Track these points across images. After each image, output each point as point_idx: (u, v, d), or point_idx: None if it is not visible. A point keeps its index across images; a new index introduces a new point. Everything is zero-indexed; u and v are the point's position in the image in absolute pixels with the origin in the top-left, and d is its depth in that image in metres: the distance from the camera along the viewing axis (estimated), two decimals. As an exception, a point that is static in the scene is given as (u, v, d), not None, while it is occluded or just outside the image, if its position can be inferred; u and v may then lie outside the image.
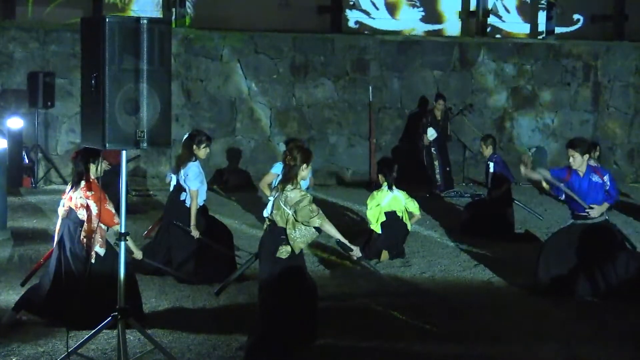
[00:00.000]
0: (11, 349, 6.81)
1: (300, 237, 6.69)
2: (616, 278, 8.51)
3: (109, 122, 5.93)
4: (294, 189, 6.72)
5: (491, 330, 7.64)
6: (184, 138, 9.44)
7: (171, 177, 9.42)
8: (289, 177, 6.75)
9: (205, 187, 9.34)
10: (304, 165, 6.79)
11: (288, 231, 6.67)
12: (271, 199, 6.87)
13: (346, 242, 7.13)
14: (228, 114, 15.65)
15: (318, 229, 6.76)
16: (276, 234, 6.73)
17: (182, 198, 9.17)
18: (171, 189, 9.40)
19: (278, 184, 6.90)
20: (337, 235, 6.97)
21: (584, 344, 7.29)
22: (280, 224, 6.69)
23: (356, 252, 7.28)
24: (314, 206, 6.72)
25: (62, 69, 14.83)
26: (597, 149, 13.89)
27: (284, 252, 6.69)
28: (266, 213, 6.86)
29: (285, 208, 6.67)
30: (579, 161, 8.61)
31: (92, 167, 7.38)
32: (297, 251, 6.72)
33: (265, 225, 6.92)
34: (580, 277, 8.56)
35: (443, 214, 12.99)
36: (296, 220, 6.66)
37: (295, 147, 6.92)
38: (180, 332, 7.29)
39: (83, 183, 7.35)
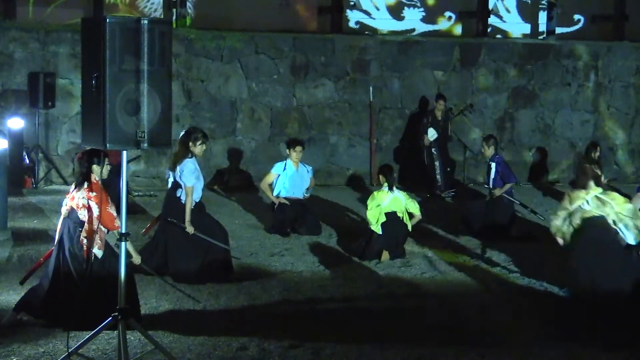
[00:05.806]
0: (12, 349, 6.81)
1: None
2: None
3: (110, 122, 5.93)
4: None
5: (491, 331, 7.64)
6: (180, 135, 9.47)
7: (169, 174, 9.46)
8: (598, 182, 8.05)
9: (201, 183, 9.35)
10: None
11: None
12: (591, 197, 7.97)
13: None
14: (228, 114, 15.65)
15: None
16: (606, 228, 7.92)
17: (178, 195, 9.20)
18: (169, 186, 9.43)
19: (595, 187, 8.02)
20: None
21: (584, 344, 7.29)
22: (612, 217, 7.90)
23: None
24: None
25: (63, 69, 14.83)
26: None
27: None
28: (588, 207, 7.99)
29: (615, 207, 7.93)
30: None
31: (97, 169, 7.37)
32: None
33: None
34: None
35: (443, 214, 12.99)
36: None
37: (584, 164, 8.25)
38: (181, 332, 7.29)
39: (86, 184, 7.36)
